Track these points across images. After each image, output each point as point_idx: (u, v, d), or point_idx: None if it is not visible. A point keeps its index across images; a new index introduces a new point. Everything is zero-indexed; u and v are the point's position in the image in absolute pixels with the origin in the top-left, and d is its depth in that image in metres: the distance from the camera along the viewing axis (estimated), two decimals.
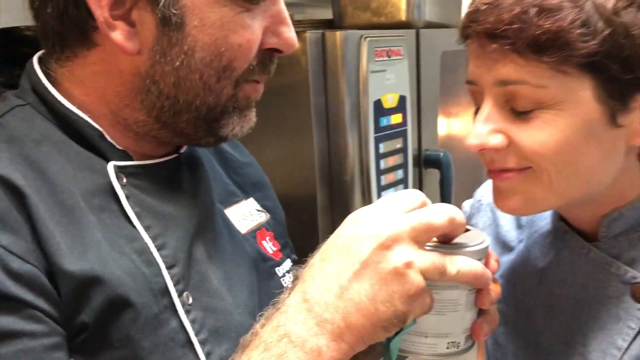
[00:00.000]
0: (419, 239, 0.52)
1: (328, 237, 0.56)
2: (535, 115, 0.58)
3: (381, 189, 1.39)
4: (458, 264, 0.53)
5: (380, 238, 0.51)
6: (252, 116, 0.69)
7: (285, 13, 0.66)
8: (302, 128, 1.28)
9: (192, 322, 0.62)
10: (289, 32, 0.66)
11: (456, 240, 0.55)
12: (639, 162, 0.62)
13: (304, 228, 0.93)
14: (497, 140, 0.60)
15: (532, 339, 0.70)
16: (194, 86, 0.63)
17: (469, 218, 0.82)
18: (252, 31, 0.63)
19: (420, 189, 1.59)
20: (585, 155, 0.59)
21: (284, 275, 0.78)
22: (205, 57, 0.62)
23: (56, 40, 0.64)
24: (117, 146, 0.65)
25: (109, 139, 0.64)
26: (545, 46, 0.55)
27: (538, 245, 0.71)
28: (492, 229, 0.78)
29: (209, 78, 0.63)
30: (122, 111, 0.65)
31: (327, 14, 1.58)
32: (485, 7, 0.59)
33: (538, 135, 0.58)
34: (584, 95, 0.57)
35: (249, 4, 0.62)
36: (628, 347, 0.61)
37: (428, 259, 0.52)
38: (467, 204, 0.84)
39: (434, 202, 0.55)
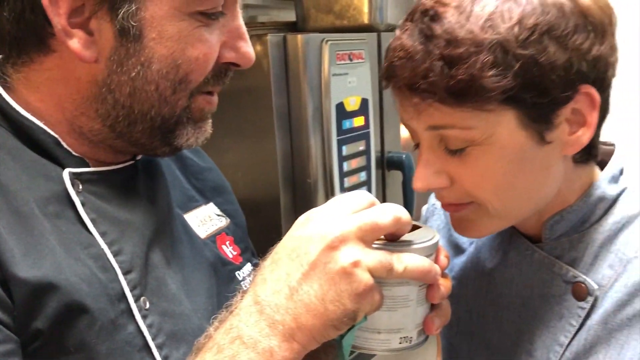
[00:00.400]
0: (366, 238, 0.53)
1: None
2: (468, 152, 0.60)
3: (344, 191, 1.39)
4: (405, 261, 0.54)
5: (327, 239, 0.53)
6: (208, 127, 0.70)
7: (244, 28, 0.67)
8: (264, 131, 1.29)
9: (149, 326, 0.63)
10: (247, 47, 0.67)
11: (406, 237, 0.57)
12: (574, 166, 0.65)
13: (267, 231, 0.94)
14: (441, 181, 0.62)
15: (484, 339, 0.73)
16: (149, 97, 0.63)
17: (425, 221, 0.84)
18: (209, 45, 0.64)
19: (383, 190, 1.61)
20: (524, 178, 0.62)
21: (244, 279, 0.78)
22: (161, 69, 0.62)
23: (12, 44, 0.63)
24: (74, 153, 0.65)
25: (65, 145, 0.64)
26: (463, 93, 0.57)
27: (487, 247, 0.74)
28: (445, 232, 0.80)
29: (164, 90, 0.63)
30: (78, 119, 0.65)
31: (290, 16, 1.59)
32: (399, 62, 0.60)
33: (475, 172, 0.61)
34: (509, 126, 0.59)
35: (207, 19, 0.63)
36: (569, 343, 0.63)
37: (375, 257, 0.53)
38: (424, 208, 0.87)
39: (397, 204, 0.56)
